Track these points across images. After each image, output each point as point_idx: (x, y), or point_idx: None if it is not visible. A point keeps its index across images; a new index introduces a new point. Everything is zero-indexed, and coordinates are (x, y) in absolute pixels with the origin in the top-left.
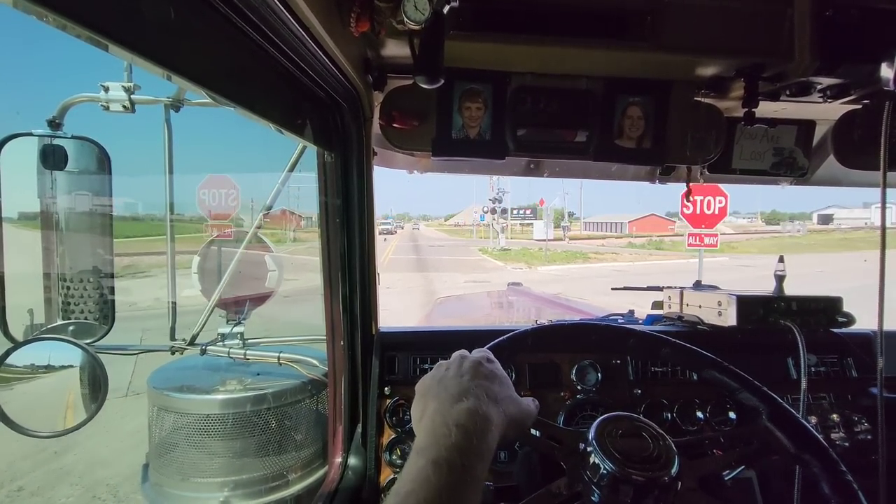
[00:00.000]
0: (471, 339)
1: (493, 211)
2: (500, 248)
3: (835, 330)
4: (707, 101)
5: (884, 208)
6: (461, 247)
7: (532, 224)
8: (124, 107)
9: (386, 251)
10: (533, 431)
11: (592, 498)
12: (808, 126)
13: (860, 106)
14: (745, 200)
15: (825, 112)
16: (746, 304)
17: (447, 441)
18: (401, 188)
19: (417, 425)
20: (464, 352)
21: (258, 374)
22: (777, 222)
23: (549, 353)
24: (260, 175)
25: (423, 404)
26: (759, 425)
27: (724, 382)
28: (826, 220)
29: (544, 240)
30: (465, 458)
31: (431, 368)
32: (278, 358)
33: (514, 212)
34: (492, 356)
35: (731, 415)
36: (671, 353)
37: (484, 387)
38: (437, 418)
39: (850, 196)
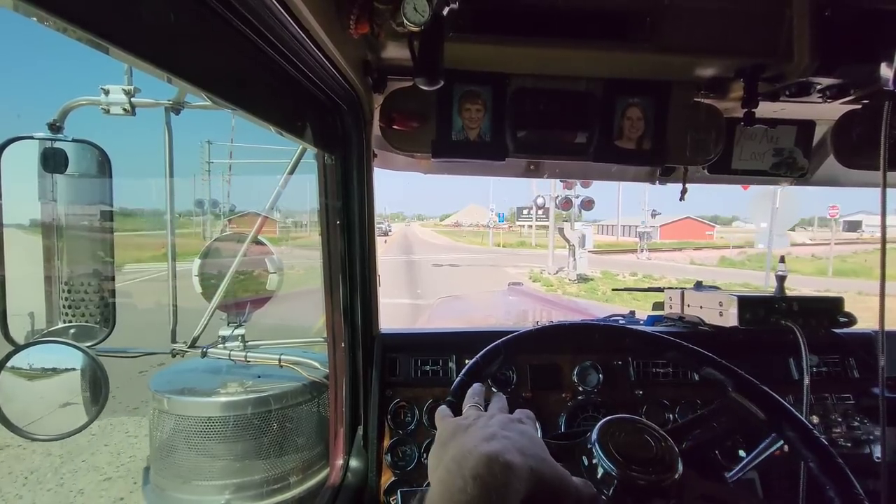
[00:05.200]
0: (472, 340)
1: (568, 204)
2: (577, 275)
3: (836, 330)
4: (707, 101)
5: (884, 208)
6: (487, 267)
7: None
8: (125, 110)
9: None
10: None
11: None
12: (807, 126)
13: (860, 106)
14: (741, 203)
15: (825, 112)
16: (748, 305)
17: (462, 497)
18: (395, 187)
19: (433, 475)
20: (502, 402)
21: (259, 377)
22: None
23: (551, 355)
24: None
25: (442, 452)
26: (727, 398)
27: (688, 362)
28: (854, 227)
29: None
30: None
31: (431, 370)
32: (279, 360)
33: (525, 212)
34: (532, 415)
35: None
36: (632, 342)
37: (512, 438)
38: (453, 466)
39: (838, 199)
